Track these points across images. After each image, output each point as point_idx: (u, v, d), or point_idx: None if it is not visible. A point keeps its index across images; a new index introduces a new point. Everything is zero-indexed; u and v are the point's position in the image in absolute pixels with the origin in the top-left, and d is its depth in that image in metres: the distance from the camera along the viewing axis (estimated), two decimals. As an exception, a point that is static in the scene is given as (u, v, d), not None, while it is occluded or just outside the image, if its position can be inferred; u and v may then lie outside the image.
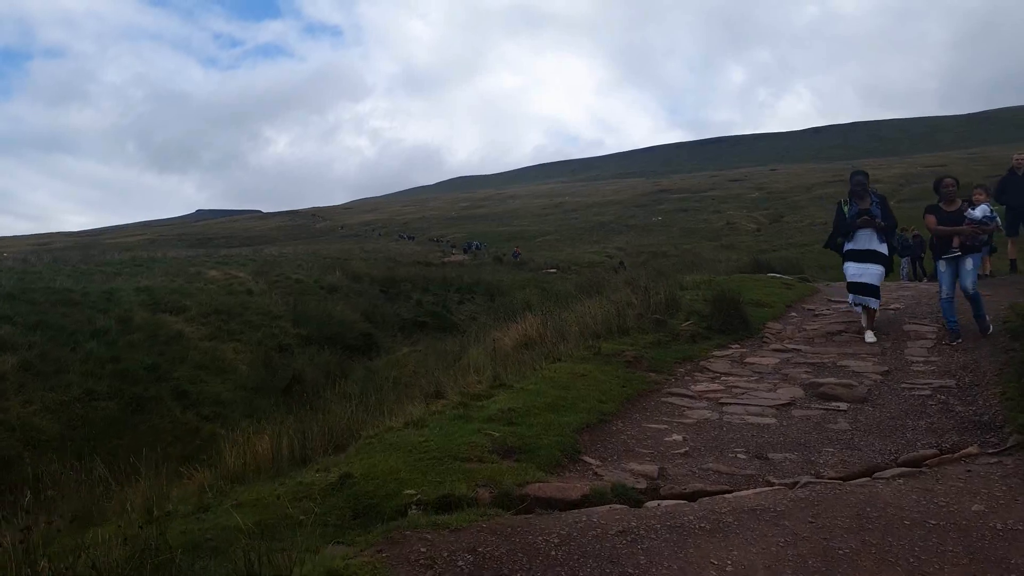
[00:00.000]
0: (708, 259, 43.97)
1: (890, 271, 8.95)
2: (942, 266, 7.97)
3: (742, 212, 72.29)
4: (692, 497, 4.17)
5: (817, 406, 6.14)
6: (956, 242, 7.81)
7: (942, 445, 5.07)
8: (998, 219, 8.38)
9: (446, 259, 49.24)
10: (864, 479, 4.32)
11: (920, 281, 19.28)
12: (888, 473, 4.38)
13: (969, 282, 7.70)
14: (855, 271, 8.58)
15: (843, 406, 6.09)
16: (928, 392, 6.32)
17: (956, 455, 4.68)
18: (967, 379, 6.62)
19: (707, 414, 5.98)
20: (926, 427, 5.51)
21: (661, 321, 8.61)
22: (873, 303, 8.53)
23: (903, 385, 6.62)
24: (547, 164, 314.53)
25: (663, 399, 6.42)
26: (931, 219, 8.10)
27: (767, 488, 4.20)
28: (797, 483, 4.29)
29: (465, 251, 54.63)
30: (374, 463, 4.32)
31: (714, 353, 7.96)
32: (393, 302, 26.93)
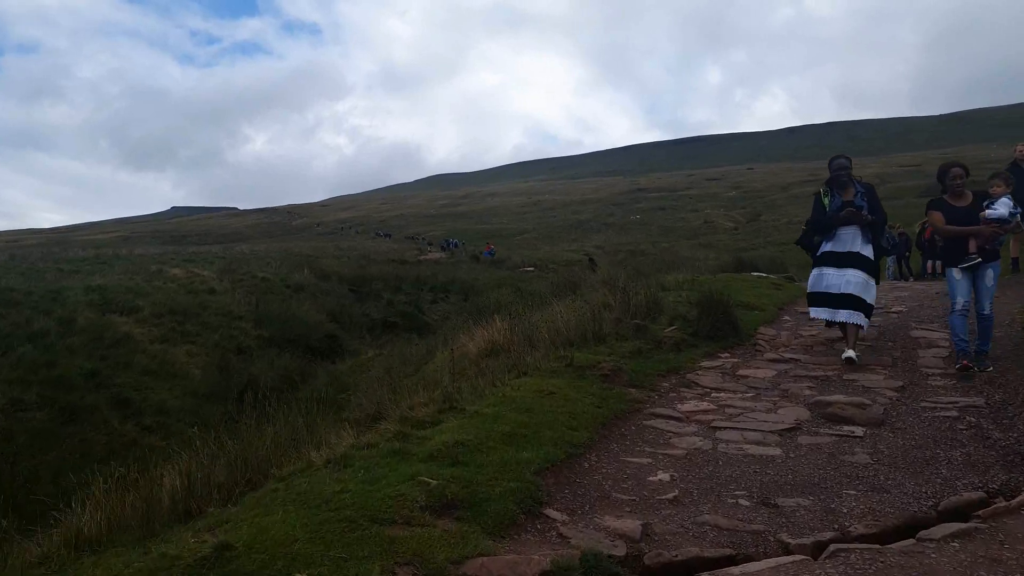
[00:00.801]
0: (686, 257, 43.20)
1: (877, 279, 7.22)
2: (956, 275, 6.45)
3: (720, 211, 71.86)
4: (687, 570, 3.14)
5: (827, 431, 5.14)
6: (973, 246, 6.31)
7: (989, 486, 4.08)
8: (1020, 215, 6.66)
9: (423, 257, 48.04)
10: (907, 542, 3.30)
11: (907, 280, 18.50)
12: (937, 532, 3.36)
13: (988, 302, 6.39)
14: (830, 279, 6.95)
15: (858, 431, 5.10)
16: (955, 413, 5.35)
17: (1013, 503, 3.69)
18: (996, 396, 5.66)
19: (698, 442, 4.95)
20: (963, 460, 4.52)
21: (642, 327, 7.58)
22: (859, 319, 6.86)
23: (923, 404, 5.64)
24: (526, 162, 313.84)
25: (645, 422, 5.39)
26: (938, 217, 6.56)
27: (785, 559, 3.17)
28: (821, 546, 3.28)
29: (443, 249, 53.45)
30: (267, 526, 3.23)
31: (702, 364, 6.94)
32: (363, 302, 25.76)
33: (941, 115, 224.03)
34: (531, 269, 40.44)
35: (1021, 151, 10.90)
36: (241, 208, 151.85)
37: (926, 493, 4.06)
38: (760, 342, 7.69)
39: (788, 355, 7.21)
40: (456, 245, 56.26)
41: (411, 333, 23.08)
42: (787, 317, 9.02)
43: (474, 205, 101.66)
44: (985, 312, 6.42)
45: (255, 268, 30.85)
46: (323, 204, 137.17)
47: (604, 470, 4.38)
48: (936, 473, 4.36)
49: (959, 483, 4.19)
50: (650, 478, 4.30)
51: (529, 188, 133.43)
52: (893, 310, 8.99)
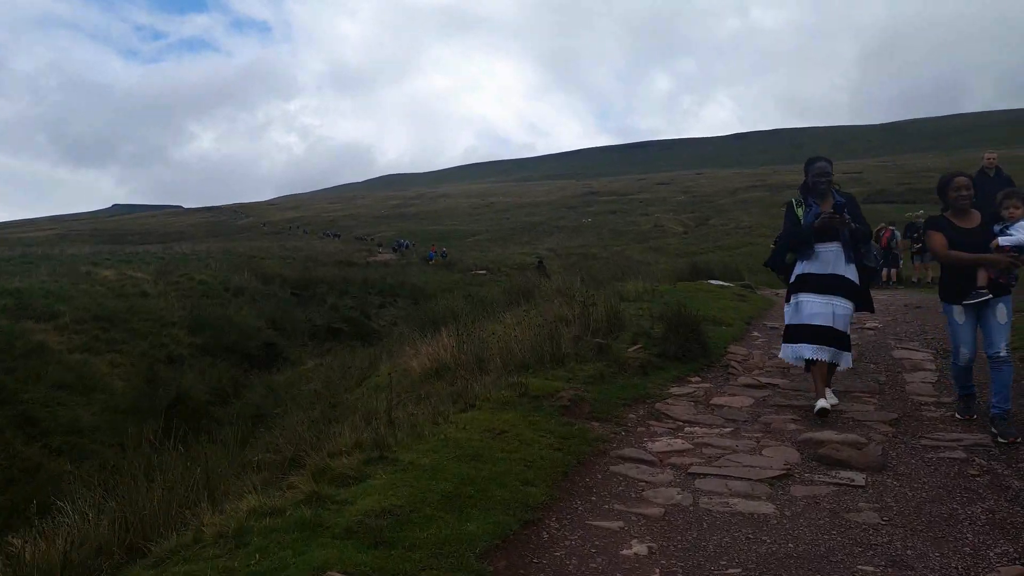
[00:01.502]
0: (638, 261, 42.80)
1: (862, 306, 5.89)
2: (958, 316, 5.14)
3: (669, 215, 72.07)
4: None
5: (823, 478, 4.39)
6: (983, 278, 4.95)
7: (1026, 557, 3.38)
8: None
9: (372, 258, 46.70)
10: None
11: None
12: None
13: (1003, 342, 4.97)
14: (814, 307, 5.55)
15: (858, 478, 4.36)
16: (962, 455, 4.66)
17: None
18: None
19: (676, 495, 4.15)
20: (986, 519, 3.80)
21: (604, 346, 6.78)
22: (847, 361, 5.69)
23: (924, 442, 4.95)
24: (479, 164, 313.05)
25: (613, 467, 4.56)
26: (939, 240, 5.14)
27: None
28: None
29: (394, 250, 52.19)
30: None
31: (672, 390, 6.17)
32: (306, 306, 24.54)
33: (881, 124, 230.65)
34: (483, 272, 39.57)
35: (990, 159, 10.44)
36: (186, 207, 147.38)
37: (956, 568, 3.33)
38: (732, 363, 6.96)
39: (764, 379, 6.50)
40: (407, 246, 55.08)
41: (356, 340, 21.97)
42: (756, 333, 8.33)
43: (426, 206, 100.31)
44: (1000, 354, 4.95)
45: (194, 270, 29.28)
46: (271, 203, 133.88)
47: (567, 542, 3.53)
48: (960, 538, 3.63)
49: (990, 552, 3.47)
50: (624, 551, 3.47)
51: (482, 190, 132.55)
52: (868, 326, 8.39)
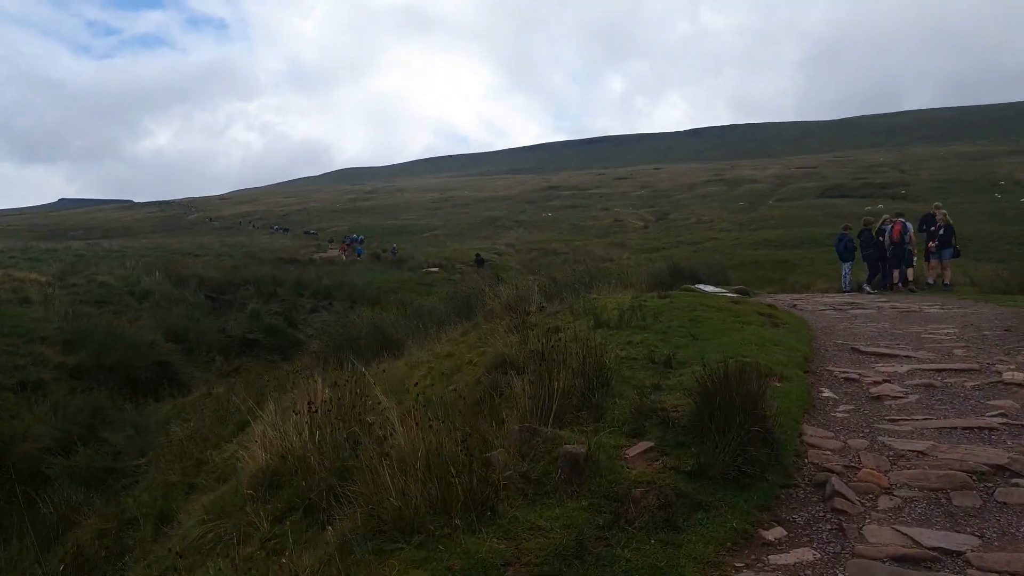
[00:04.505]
0: (601, 257, 39.53)
1: None
2: None
3: (629, 210, 69.12)
4: None
5: None
6: None
7: None
8: None
9: (321, 255, 42.57)
10: None
11: (871, 290, 14.84)
12: None
13: None
14: None
15: None
16: None
17: None
18: None
19: None
20: None
21: (578, 461, 3.25)
22: None
23: None
24: (437, 158, 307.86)
25: None
26: None
27: None
28: None
29: (348, 245, 48.19)
30: None
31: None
32: (222, 313, 20.59)
33: (832, 120, 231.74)
34: (435, 269, 35.81)
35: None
36: (136, 201, 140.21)
37: None
38: (829, 480, 3.45)
39: (913, 528, 3.04)
40: (359, 241, 51.15)
41: (275, 354, 18.21)
42: (828, 393, 4.88)
43: (383, 200, 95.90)
44: None
45: (101, 270, 25.07)
46: (223, 197, 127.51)
47: None
48: None
49: None
50: None
51: (440, 184, 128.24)
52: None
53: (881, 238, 15.10)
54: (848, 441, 3.95)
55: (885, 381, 5.06)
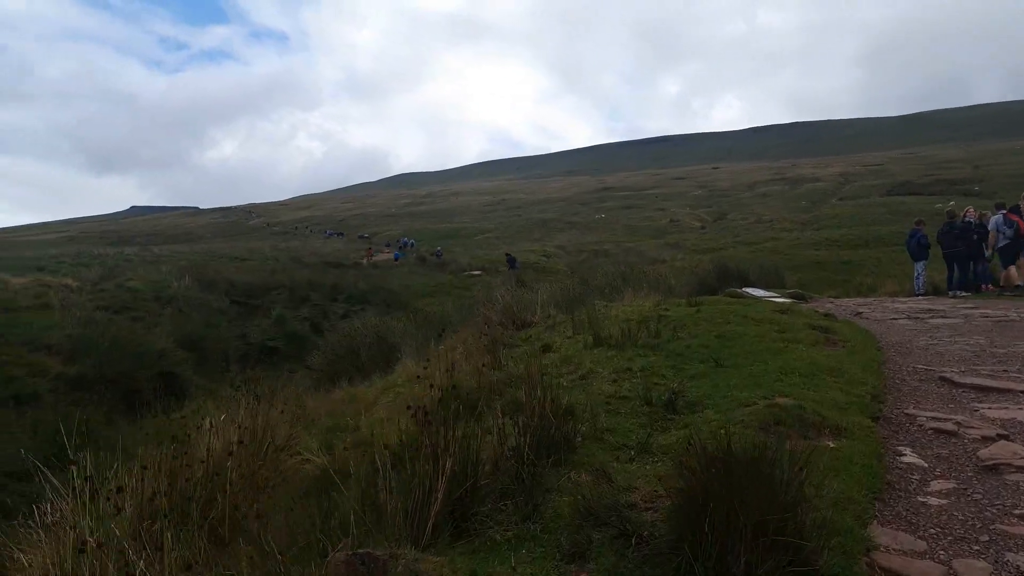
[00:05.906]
0: (653, 258, 37.44)
1: None
2: None
3: (685, 210, 66.55)
4: None
5: None
6: None
7: None
8: None
9: (372, 259, 41.77)
10: None
11: (966, 291, 12.65)
12: None
13: None
14: None
15: None
16: None
17: None
18: None
19: None
20: None
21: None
22: None
23: None
24: (493, 161, 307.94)
25: None
26: None
27: None
28: None
29: (401, 248, 47.50)
30: None
31: None
32: (246, 319, 19.64)
33: (897, 116, 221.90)
34: (478, 272, 34.47)
35: None
36: (202, 207, 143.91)
37: None
38: None
39: None
40: (411, 245, 50.47)
41: (294, 362, 17.11)
42: (911, 456, 3.16)
43: (437, 204, 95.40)
44: None
45: (138, 275, 24.59)
46: (283, 203, 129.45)
47: None
48: None
49: None
50: None
51: (495, 187, 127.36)
52: None
53: (977, 231, 12.94)
54: (953, 563, 2.28)
55: (1001, 436, 3.32)
